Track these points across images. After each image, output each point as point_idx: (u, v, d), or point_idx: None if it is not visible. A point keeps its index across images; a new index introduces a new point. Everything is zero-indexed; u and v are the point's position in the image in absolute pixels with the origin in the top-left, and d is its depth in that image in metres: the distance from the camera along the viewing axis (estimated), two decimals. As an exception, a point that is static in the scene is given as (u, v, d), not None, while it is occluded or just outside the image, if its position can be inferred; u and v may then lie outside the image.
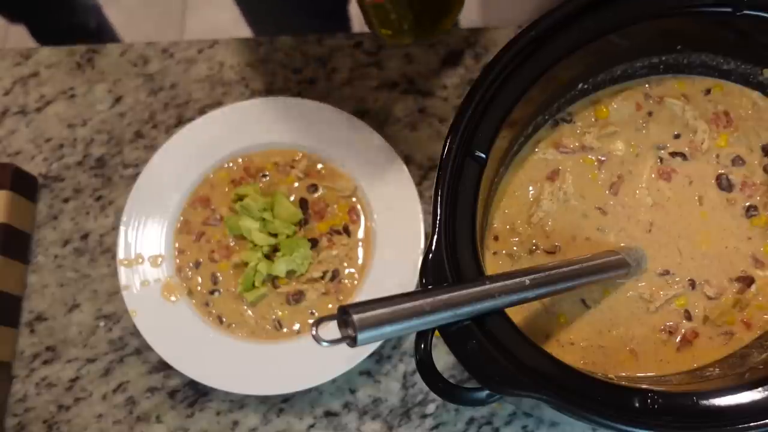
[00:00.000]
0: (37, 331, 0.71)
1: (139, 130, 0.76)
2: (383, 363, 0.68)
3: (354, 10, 1.07)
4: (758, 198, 0.58)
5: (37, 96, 0.78)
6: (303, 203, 0.70)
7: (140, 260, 0.69)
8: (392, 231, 0.68)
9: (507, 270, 0.50)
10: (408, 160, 0.72)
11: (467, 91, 0.51)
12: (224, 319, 0.68)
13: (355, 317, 0.38)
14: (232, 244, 0.70)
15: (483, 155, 0.50)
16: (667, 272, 0.57)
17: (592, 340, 0.56)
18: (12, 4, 1.19)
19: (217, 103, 0.76)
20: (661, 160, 0.60)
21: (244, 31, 1.10)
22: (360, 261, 0.69)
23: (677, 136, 0.60)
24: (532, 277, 0.46)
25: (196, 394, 0.68)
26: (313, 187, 0.71)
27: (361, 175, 0.70)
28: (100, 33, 1.27)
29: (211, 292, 0.69)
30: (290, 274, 0.68)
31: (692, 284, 0.57)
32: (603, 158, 0.60)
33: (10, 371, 0.70)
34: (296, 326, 0.67)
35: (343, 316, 0.39)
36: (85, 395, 0.69)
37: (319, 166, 0.71)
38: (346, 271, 0.69)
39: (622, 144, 0.60)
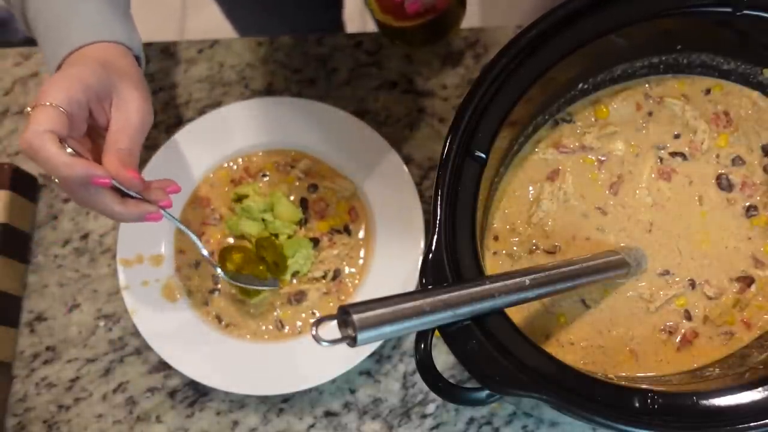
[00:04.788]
0: (37, 331, 0.71)
1: (139, 130, 0.76)
2: (383, 363, 0.68)
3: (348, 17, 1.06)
4: (758, 198, 0.58)
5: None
6: (303, 203, 0.70)
7: (140, 260, 0.69)
8: (392, 231, 0.68)
9: (507, 270, 0.50)
10: (408, 160, 0.72)
11: (467, 91, 0.51)
12: (224, 319, 0.68)
13: (355, 317, 0.38)
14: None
15: (483, 155, 0.50)
16: (667, 272, 0.57)
17: (592, 340, 0.56)
18: None
19: (217, 103, 0.76)
20: (661, 160, 0.60)
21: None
22: (361, 261, 0.69)
23: (677, 136, 0.60)
24: (532, 277, 0.46)
25: (196, 394, 0.68)
26: (313, 187, 0.71)
27: (361, 175, 0.70)
28: None
29: (211, 292, 0.69)
30: (293, 274, 0.68)
31: (692, 284, 0.57)
32: (603, 158, 0.60)
33: (10, 371, 0.70)
34: (298, 325, 0.67)
35: (343, 316, 0.39)
36: (85, 395, 0.69)
37: (319, 166, 0.71)
38: (347, 270, 0.69)
39: (622, 144, 0.60)
